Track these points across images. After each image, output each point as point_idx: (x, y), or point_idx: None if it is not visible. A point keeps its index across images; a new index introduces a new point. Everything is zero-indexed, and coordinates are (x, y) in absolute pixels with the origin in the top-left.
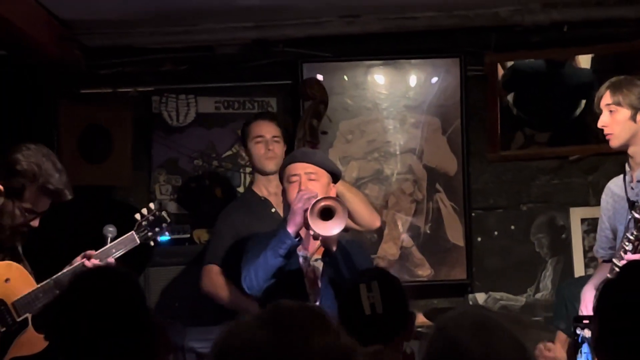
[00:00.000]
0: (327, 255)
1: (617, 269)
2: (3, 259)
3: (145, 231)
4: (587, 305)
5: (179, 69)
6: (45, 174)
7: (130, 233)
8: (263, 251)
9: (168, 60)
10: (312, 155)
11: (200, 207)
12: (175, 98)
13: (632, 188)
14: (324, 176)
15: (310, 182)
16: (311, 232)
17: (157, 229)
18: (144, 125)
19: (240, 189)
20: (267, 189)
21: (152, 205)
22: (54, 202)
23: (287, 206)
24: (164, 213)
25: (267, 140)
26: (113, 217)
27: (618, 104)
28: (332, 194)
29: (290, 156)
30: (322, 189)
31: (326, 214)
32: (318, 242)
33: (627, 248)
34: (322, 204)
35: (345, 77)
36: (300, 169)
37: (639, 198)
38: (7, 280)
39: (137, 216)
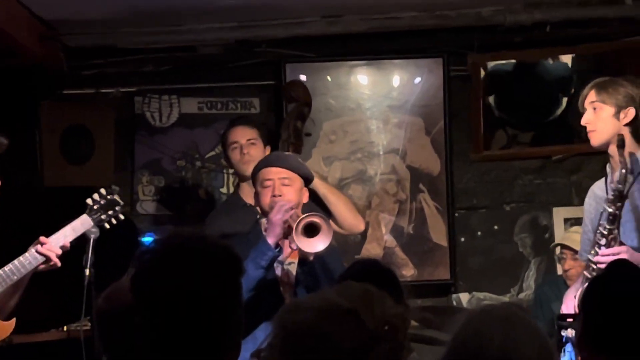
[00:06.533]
0: (304, 264)
1: (593, 265)
2: None
3: (99, 214)
4: (567, 305)
5: (162, 69)
6: None
7: (83, 215)
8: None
9: (151, 60)
10: (286, 159)
11: (184, 208)
12: (158, 98)
13: (612, 189)
14: (298, 181)
15: (284, 187)
16: (293, 246)
17: (110, 212)
18: (126, 126)
19: (224, 190)
20: (252, 195)
21: (103, 190)
22: None
23: (260, 210)
24: (116, 196)
25: (241, 145)
26: None
27: (603, 102)
28: (305, 198)
29: (264, 160)
30: (295, 194)
31: (310, 230)
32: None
33: (600, 243)
34: (307, 220)
35: (329, 78)
36: (274, 173)
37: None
38: None
39: (89, 201)
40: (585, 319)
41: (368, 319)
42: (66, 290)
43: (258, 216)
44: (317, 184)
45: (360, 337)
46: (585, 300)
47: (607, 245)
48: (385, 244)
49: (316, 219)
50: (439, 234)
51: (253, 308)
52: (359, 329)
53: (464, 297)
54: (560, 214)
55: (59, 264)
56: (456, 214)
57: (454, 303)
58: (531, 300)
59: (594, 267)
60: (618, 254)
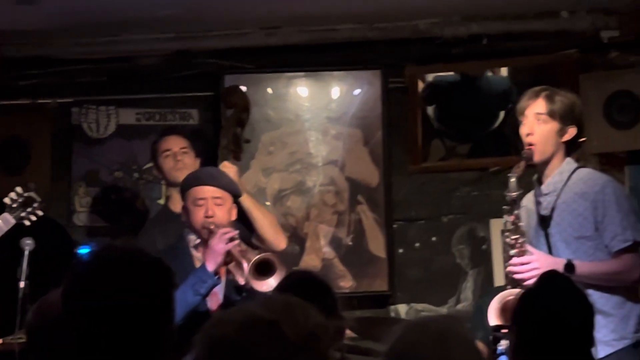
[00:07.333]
0: (241, 290)
1: (512, 276)
2: None
3: (18, 211)
4: None
5: (99, 80)
6: None
7: (4, 214)
8: (181, 287)
9: (88, 71)
10: (219, 178)
11: (121, 219)
12: (96, 109)
13: (539, 202)
14: (229, 200)
15: (216, 207)
16: (241, 281)
17: (29, 209)
18: (63, 137)
19: (161, 201)
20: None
21: (19, 188)
22: None
23: (189, 227)
24: (32, 194)
25: (174, 153)
26: (30, 229)
27: (551, 116)
28: (234, 215)
29: (196, 176)
30: (227, 213)
31: (262, 268)
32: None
33: (511, 253)
34: (260, 259)
35: (269, 90)
36: (207, 192)
37: (547, 212)
38: None
39: (7, 200)
40: (518, 332)
41: (290, 329)
42: (1, 303)
43: (185, 231)
44: (243, 198)
45: (282, 347)
46: (518, 313)
47: (519, 254)
48: (323, 255)
49: (269, 257)
50: (377, 245)
51: (183, 330)
52: (281, 339)
53: (402, 309)
54: (497, 225)
55: None
56: (394, 226)
57: (393, 314)
58: (469, 311)
59: (510, 277)
60: (527, 263)
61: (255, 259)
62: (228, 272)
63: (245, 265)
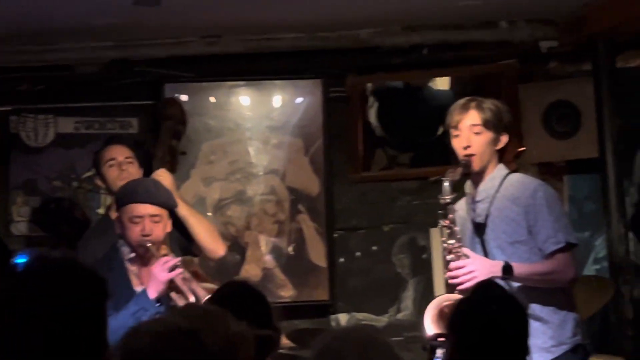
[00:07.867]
0: None
1: (449, 281)
2: None
3: None
4: None
5: (38, 88)
6: None
7: None
8: (122, 310)
9: (26, 79)
10: (157, 195)
11: (60, 228)
12: (34, 118)
13: (473, 210)
14: (165, 216)
15: (154, 224)
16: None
17: None
18: (1, 146)
19: (100, 210)
20: None
21: None
22: None
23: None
24: None
25: (119, 162)
26: None
27: (485, 127)
28: (169, 228)
29: (133, 192)
30: (162, 230)
31: None
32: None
33: (448, 259)
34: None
35: (211, 99)
36: (144, 210)
37: (481, 219)
38: None
39: None
40: (454, 340)
41: (208, 338)
42: None
43: (119, 242)
44: (179, 207)
45: (200, 357)
46: (453, 321)
47: (456, 259)
48: (264, 264)
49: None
50: (318, 254)
51: None
52: (199, 349)
53: (343, 318)
54: (437, 234)
55: None
56: (335, 235)
57: (333, 324)
58: (409, 320)
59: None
60: (462, 267)
61: (207, 297)
62: (169, 298)
63: (192, 299)
